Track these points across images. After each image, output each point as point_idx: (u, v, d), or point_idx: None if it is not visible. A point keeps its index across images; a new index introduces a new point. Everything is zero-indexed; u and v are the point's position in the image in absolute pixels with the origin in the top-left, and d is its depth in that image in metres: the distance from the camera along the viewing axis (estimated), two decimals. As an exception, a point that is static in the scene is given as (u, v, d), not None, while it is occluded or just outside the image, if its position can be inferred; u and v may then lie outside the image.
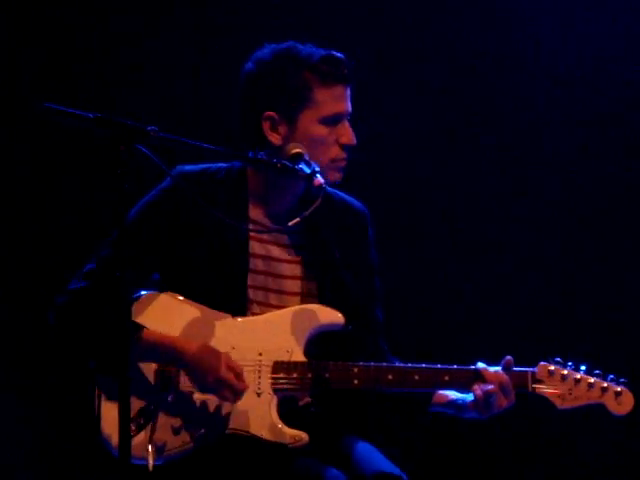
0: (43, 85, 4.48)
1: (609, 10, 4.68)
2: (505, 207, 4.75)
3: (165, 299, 3.24)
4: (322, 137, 3.21)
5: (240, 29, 4.49)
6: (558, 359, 3.26)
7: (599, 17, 4.68)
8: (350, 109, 3.26)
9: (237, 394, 3.11)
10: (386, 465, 3.19)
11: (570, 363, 3.26)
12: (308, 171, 3.11)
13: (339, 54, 3.25)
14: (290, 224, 3.11)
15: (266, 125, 3.23)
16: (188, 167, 3.29)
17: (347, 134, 3.23)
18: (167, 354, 3.14)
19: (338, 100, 3.22)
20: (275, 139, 3.22)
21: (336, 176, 3.21)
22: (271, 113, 3.23)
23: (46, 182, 4.57)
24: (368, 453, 3.25)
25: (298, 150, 3.15)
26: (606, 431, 4.50)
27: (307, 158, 3.14)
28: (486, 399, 3.14)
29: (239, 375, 3.11)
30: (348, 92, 3.25)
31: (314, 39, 3.29)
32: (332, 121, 3.22)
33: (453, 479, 4.73)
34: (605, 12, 4.68)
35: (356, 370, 3.17)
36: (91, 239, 3.33)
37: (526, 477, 4.77)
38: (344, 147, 3.23)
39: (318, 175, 3.09)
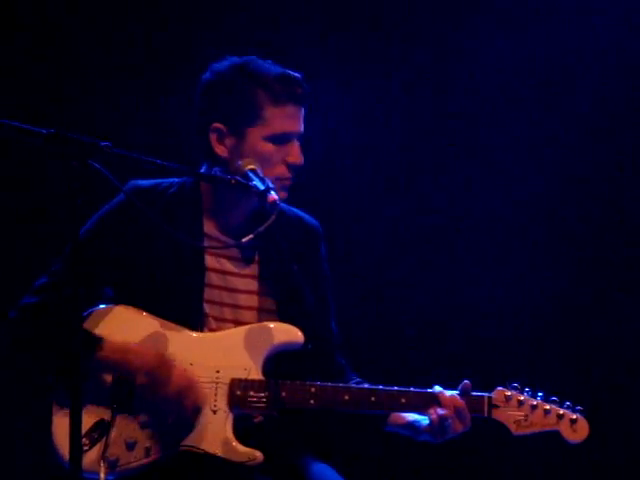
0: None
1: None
2: (456, 223, 4.77)
3: (122, 311, 3.22)
4: (268, 154, 3.21)
5: (201, 42, 4.48)
6: (515, 385, 3.27)
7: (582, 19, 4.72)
8: (301, 129, 3.26)
9: (186, 409, 3.10)
10: None
11: (527, 389, 3.27)
12: (262, 187, 3.11)
13: (295, 74, 3.25)
14: (244, 240, 3.11)
15: (213, 137, 3.24)
16: (141, 182, 3.28)
17: (294, 154, 3.23)
18: (123, 362, 3.12)
19: (288, 119, 3.22)
20: (221, 151, 3.23)
21: (280, 194, 3.18)
22: (219, 125, 3.24)
23: (3, 196, 4.54)
24: (323, 473, 3.25)
25: (252, 166, 3.16)
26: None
27: (261, 174, 3.14)
28: (441, 423, 3.15)
29: (191, 389, 3.10)
30: (300, 112, 3.25)
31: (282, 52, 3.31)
32: (280, 140, 3.22)
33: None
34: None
35: (313, 390, 3.17)
36: (45, 254, 3.32)
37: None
38: (290, 166, 3.23)
39: (272, 192, 3.10)
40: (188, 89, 3.38)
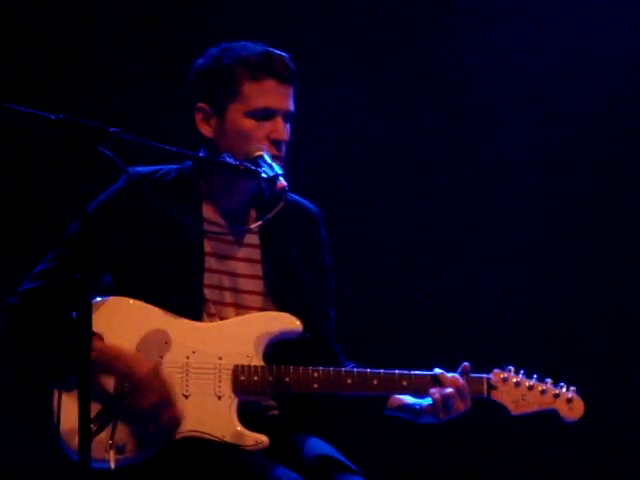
0: (1, 86, 4.46)
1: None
2: (457, 212, 4.80)
3: (119, 304, 3.23)
4: (249, 130, 3.21)
5: (207, 31, 4.50)
6: (510, 367, 3.32)
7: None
8: (287, 107, 3.24)
9: (160, 423, 3.11)
10: (342, 459, 3.23)
11: (522, 371, 3.33)
12: (271, 174, 3.13)
13: (279, 52, 3.26)
14: (252, 227, 3.15)
15: (199, 116, 3.27)
16: (140, 168, 3.30)
17: (277, 130, 3.21)
18: (111, 367, 3.14)
19: (267, 95, 3.22)
20: (206, 131, 3.25)
21: None
22: (203, 105, 3.26)
23: (5, 182, 4.54)
24: (323, 449, 3.27)
25: (260, 152, 3.18)
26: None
27: (269, 160, 3.16)
28: (445, 403, 3.19)
29: (166, 406, 3.11)
30: (284, 89, 3.24)
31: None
32: (260, 115, 3.22)
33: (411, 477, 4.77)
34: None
35: (316, 375, 3.20)
36: (47, 241, 3.33)
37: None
38: (274, 142, 3.22)
39: (281, 178, 3.12)
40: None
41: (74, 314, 2.78)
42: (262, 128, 3.21)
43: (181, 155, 3.25)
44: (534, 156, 4.79)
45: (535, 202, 4.79)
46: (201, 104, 3.26)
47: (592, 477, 4.77)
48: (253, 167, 3.14)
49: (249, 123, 3.22)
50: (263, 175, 3.13)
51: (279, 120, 3.23)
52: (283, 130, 3.22)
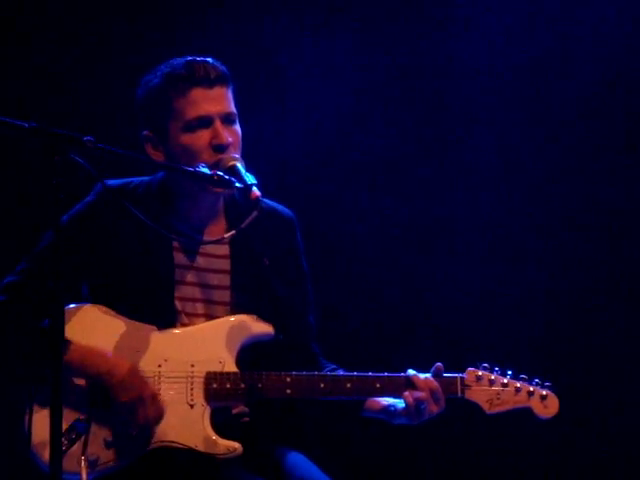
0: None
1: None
2: (435, 210, 4.80)
3: (91, 311, 3.22)
4: (191, 144, 3.19)
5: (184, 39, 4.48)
6: (485, 365, 3.32)
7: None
8: (221, 108, 3.21)
9: (141, 420, 3.10)
10: (319, 476, 3.21)
11: (497, 369, 3.32)
12: (245, 183, 3.10)
13: (200, 57, 3.24)
14: (226, 236, 3.14)
15: (148, 146, 3.26)
16: (110, 182, 3.27)
17: (216, 135, 3.20)
18: (94, 371, 3.12)
19: (195, 104, 3.20)
20: (158, 157, 3.24)
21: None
22: (147, 132, 3.26)
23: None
24: (300, 464, 3.27)
25: (233, 162, 3.16)
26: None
27: (243, 170, 3.14)
28: (417, 406, 3.19)
29: (146, 402, 3.10)
30: (213, 93, 3.21)
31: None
32: (196, 126, 3.20)
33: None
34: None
35: (289, 380, 3.19)
36: (21, 250, 3.30)
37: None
38: (217, 149, 3.20)
39: (254, 188, 3.10)
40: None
41: (46, 322, 2.78)
42: (201, 138, 3.19)
43: (157, 165, 3.25)
44: (524, 156, 4.78)
45: (521, 201, 4.78)
46: (145, 132, 3.26)
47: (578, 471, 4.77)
48: (227, 177, 3.11)
49: (188, 137, 3.20)
50: (237, 185, 3.10)
51: (217, 125, 3.20)
52: (222, 134, 3.19)
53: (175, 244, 3.26)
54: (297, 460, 3.30)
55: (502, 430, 4.45)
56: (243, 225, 3.09)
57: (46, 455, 3.00)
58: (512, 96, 4.74)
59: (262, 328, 3.24)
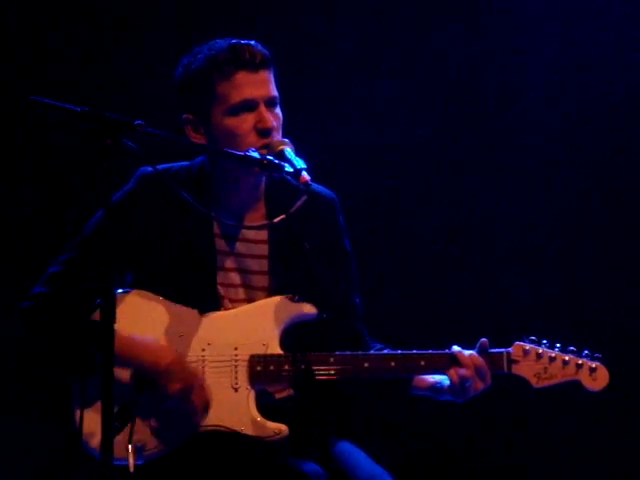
0: (28, 78, 4.44)
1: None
2: (477, 201, 4.76)
3: (134, 298, 3.23)
4: (234, 128, 3.17)
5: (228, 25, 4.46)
6: (533, 338, 3.27)
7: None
8: (265, 92, 3.19)
9: (190, 408, 3.11)
10: (370, 466, 3.21)
11: (545, 341, 3.28)
12: (295, 167, 3.06)
13: (244, 41, 3.21)
14: (275, 221, 3.15)
15: (188, 128, 3.24)
16: (151, 168, 3.25)
17: (261, 119, 3.18)
18: (138, 362, 3.14)
19: (240, 88, 3.18)
20: (199, 140, 3.22)
21: None
22: (188, 115, 3.24)
23: (26, 176, 4.54)
24: (349, 451, 3.27)
25: (283, 147, 3.13)
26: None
27: (293, 155, 3.11)
28: (462, 384, 3.16)
29: (194, 390, 3.12)
30: (256, 77, 3.19)
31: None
32: (240, 110, 3.18)
33: (437, 476, 4.73)
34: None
35: (332, 360, 3.18)
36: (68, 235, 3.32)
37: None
38: (261, 132, 3.18)
39: (304, 172, 3.06)
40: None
41: (94, 310, 2.78)
42: (246, 122, 3.18)
43: (207, 149, 3.25)
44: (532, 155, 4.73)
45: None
46: (186, 115, 3.24)
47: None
48: (277, 161, 3.09)
49: (232, 121, 3.18)
50: (287, 169, 3.08)
51: (262, 109, 3.18)
52: (268, 117, 3.18)
53: (215, 230, 3.27)
54: (346, 446, 3.29)
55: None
56: (292, 209, 3.08)
57: (94, 442, 3.08)
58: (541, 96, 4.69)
59: (305, 308, 3.23)
